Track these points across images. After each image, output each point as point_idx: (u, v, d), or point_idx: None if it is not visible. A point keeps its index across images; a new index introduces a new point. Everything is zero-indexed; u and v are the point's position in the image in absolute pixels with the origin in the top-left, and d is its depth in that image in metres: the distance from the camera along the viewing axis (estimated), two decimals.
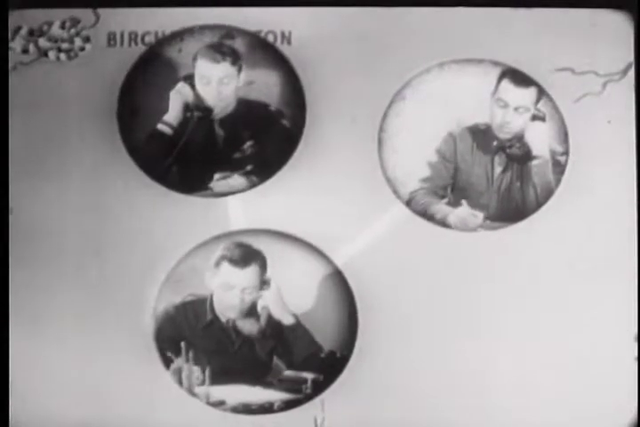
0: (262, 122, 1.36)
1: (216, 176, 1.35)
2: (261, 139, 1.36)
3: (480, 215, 1.35)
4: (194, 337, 1.33)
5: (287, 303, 1.33)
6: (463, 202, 1.35)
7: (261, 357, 1.33)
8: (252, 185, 1.35)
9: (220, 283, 1.32)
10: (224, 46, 1.36)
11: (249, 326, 1.33)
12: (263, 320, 1.33)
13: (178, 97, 1.36)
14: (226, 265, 1.32)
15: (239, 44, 1.36)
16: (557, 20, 1.36)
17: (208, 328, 1.33)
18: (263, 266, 1.33)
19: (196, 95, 1.36)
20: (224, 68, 1.35)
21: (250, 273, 1.32)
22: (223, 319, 1.33)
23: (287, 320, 1.32)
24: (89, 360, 1.33)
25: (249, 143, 1.36)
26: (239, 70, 1.36)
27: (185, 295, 1.33)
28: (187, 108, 1.36)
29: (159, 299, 1.33)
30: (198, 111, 1.36)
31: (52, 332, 1.34)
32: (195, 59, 1.36)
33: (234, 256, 1.32)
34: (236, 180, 1.35)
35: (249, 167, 1.36)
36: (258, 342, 1.33)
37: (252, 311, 1.33)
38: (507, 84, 1.35)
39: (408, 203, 1.35)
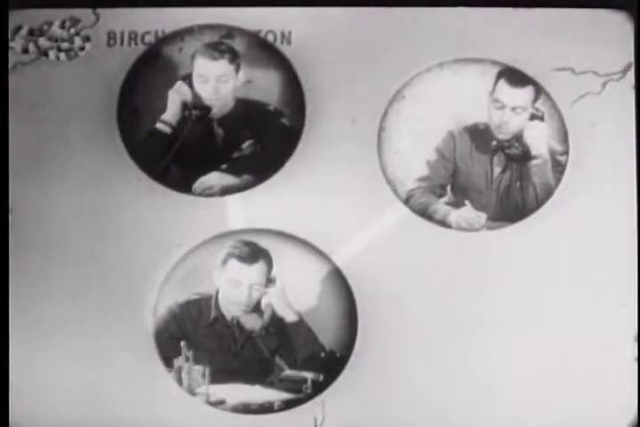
0: (261, 121, 1.37)
1: (215, 175, 1.35)
2: (261, 138, 1.37)
3: (483, 215, 1.35)
4: (197, 336, 1.33)
5: (291, 302, 1.33)
6: (467, 202, 1.35)
7: (264, 356, 1.33)
8: (252, 184, 1.35)
9: (227, 280, 1.33)
10: (222, 45, 1.36)
11: (252, 322, 1.33)
12: (267, 317, 1.33)
13: (176, 96, 1.36)
14: (234, 262, 1.32)
15: (239, 44, 1.36)
16: (557, 20, 1.36)
17: (212, 326, 1.33)
18: (269, 264, 1.33)
19: (195, 94, 1.36)
20: (222, 66, 1.35)
21: (257, 270, 1.33)
22: (228, 316, 1.34)
23: (290, 318, 1.33)
24: (89, 361, 1.33)
25: (248, 142, 1.36)
26: (237, 69, 1.36)
27: (190, 294, 1.33)
28: (185, 106, 1.36)
29: (160, 298, 1.33)
30: (196, 110, 1.36)
31: (51, 332, 1.34)
32: (193, 57, 1.36)
33: (242, 253, 1.32)
34: (235, 179, 1.35)
35: (248, 166, 1.36)
36: (261, 339, 1.33)
37: (256, 308, 1.33)
38: (503, 85, 1.35)
39: (406, 202, 1.35)
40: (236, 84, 1.36)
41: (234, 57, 1.36)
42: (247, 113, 1.36)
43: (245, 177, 1.35)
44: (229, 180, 1.35)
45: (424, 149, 1.36)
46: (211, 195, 1.35)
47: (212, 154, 1.36)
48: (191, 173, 1.35)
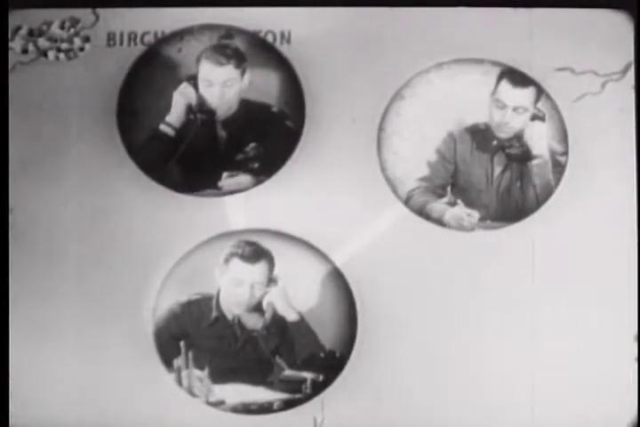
0: (265, 123, 1.36)
1: (217, 177, 1.35)
2: (264, 140, 1.36)
3: (475, 215, 1.35)
4: (197, 336, 1.33)
5: (292, 301, 1.33)
6: (459, 201, 1.36)
7: (264, 355, 1.33)
8: (253, 185, 1.35)
9: (229, 279, 1.33)
10: (228, 48, 1.36)
11: (254, 321, 1.33)
12: (268, 316, 1.33)
13: (181, 98, 1.36)
14: (236, 261, 1.33)
15: (238, 44, 1.36)
16: (557, 20, 1.36)
17: (213, 326, 1.34)
18: (271, 263, 1.33)
19: (200, 97, 1.36)
20: (228, 71, 1.35)
21: (260, 269, 1.33)
22: (229, 316, 1.34)
23: (291, 317, 1.33)
24: (89, 361, 1.33)
25: (252, 145, 1.36)
26: (243, 73, 1.36)
27: (191, 294, 1.34)
28: (190, 109, 1.36)
29: (161, 298, 1.33)
30: (201, 113, 1.36)
31: (51, 332, 1.34)
32: (198, 60, 1.36)
33: (245, 253, 1.33)
34: (236, 180, 1.35)
35: (251, 167, 1.36)
36: (262, 338, 1.33)
37: (257, 307, 1.33)
38: (505, 85, 1.35)
39: (406, 202, 1.35)
40: (241, 86, 1.36)
41: (240, 61, 1.35)
42: (251, 115, 1.36)
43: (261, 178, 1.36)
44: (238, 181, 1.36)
45: (424, 149, 1.36)
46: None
47: (214, 156, 1.36)
48: (193, 175, 1.36)
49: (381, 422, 1.32)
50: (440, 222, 1.35)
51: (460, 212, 1.35)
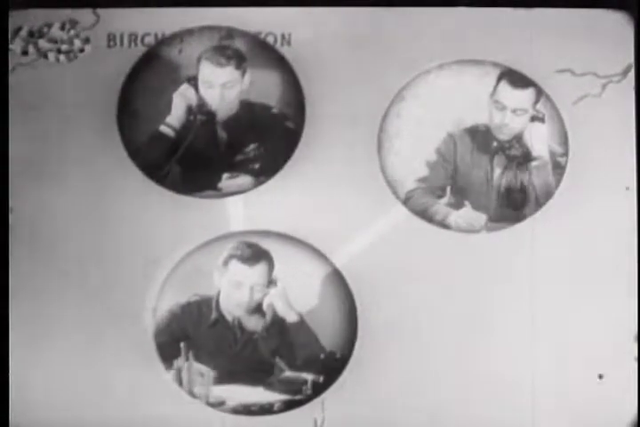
0: (265, 124, 1.36)
1: (217, 178, 1.35)
2: (265, 141, 1.36)
3: (483, 217, 1.35)
4: (197, 337, 1.33)
5: (292, 302, 1.33)
6: (466, 203, 1.35)
7: (264, 357, 1.33)
8: (253, 186, 1.35)
9: (229, 281, 1.33)
10: (229, 49, 1.36)
11: (254, 323, 1.33)
12: (269, 317, 1.33)
13: (181, 99, 1.36)
14: (235, 263, 1.33)
15: (239, 46, 1.36)
16: (557, 21, 1.36)
17: (213, 327, 1.34)
18: (271, 265, 1.33)
19: (200, 98, 1.36)
20: (228, 73, 1.35)
21: (259, 270, 1.33)
22: (229, 317, 1.34)
23: (292, 318, 1.33)
24: (89, 361, 1.33)
25: (252, 146, 1.36)
26: (243, 74, 1.36)
27: (190, 295, 1.34)
28: (190, 111, 1.36)
29: (161, 300, 1.33)
30: (201, 115, 1.36)
31: (51, 332, 1.34)
32: (199, 61, 1.36)
33: (244, 254, 1.33)
34: (236, 181, 1.35)
35: (251, 168, 1.36)
36: (262, 340, 1.33)
37: (257, 309, 1.33)
38: (504, 86, 1.35)
39: (405, 202, 1.35)
40: (242, 88, 1.36)
41: (240, 62, 1.35)
42: (251, 116, 1.36)
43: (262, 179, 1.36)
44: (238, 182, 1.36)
45: (424, 150, 1.36)
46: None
47: (215, 157, 1.36)
48: (193, 176, 1.36)
49: (382, 423, 1.32)
50: (442, 224, 1.35)
51: (469, 214, 1.35)
